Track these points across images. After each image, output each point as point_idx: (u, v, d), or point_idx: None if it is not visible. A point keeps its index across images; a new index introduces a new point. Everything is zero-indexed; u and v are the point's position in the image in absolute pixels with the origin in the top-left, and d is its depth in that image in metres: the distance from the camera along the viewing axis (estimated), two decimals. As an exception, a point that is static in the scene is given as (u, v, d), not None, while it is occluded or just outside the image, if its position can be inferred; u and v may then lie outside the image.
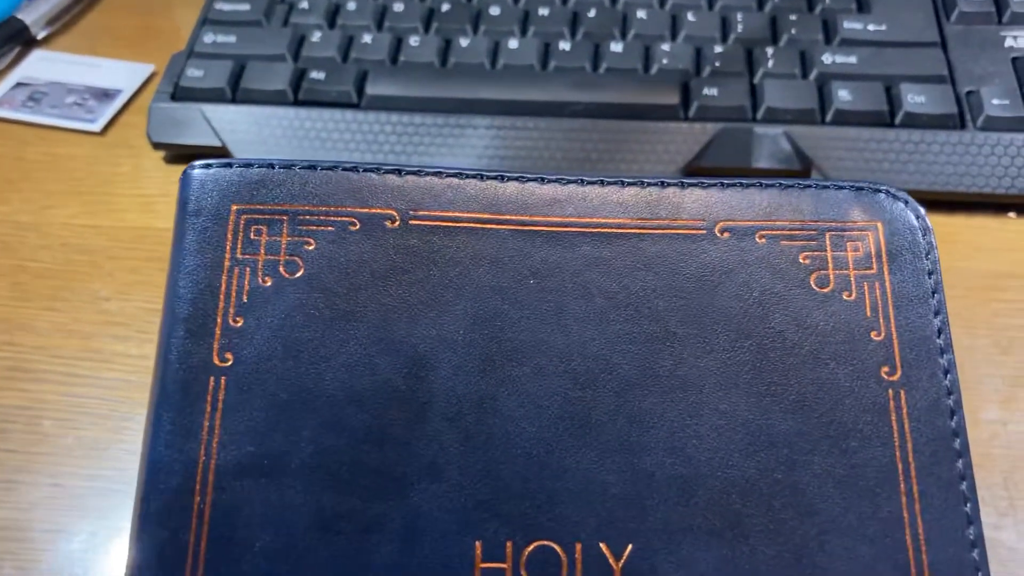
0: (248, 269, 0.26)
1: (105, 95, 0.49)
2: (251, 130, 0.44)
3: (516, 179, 0.28)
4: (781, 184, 0.29)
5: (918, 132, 0.42)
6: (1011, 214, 0.42)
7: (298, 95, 0.45)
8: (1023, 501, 0.33)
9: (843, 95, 0.43)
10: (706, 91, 0.43)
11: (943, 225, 0.42)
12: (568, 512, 0.24)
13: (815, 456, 0.25)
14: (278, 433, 0.24)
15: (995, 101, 0.42)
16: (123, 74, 0.50)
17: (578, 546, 0.24)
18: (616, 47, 0.45)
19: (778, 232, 0.28)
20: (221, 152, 0.44)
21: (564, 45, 0.45)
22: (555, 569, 0.23)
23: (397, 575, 0.23)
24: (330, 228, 0.27)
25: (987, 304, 0.39)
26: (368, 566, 0.23)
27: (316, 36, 0.47)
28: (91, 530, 0.32)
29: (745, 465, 0.25)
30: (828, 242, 0.28)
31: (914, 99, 0.43)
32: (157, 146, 0.45)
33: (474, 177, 0.28)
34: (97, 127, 0.47)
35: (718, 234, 0.28)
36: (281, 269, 0.26)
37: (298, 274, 0.26)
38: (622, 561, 0.24)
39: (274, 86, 0.44)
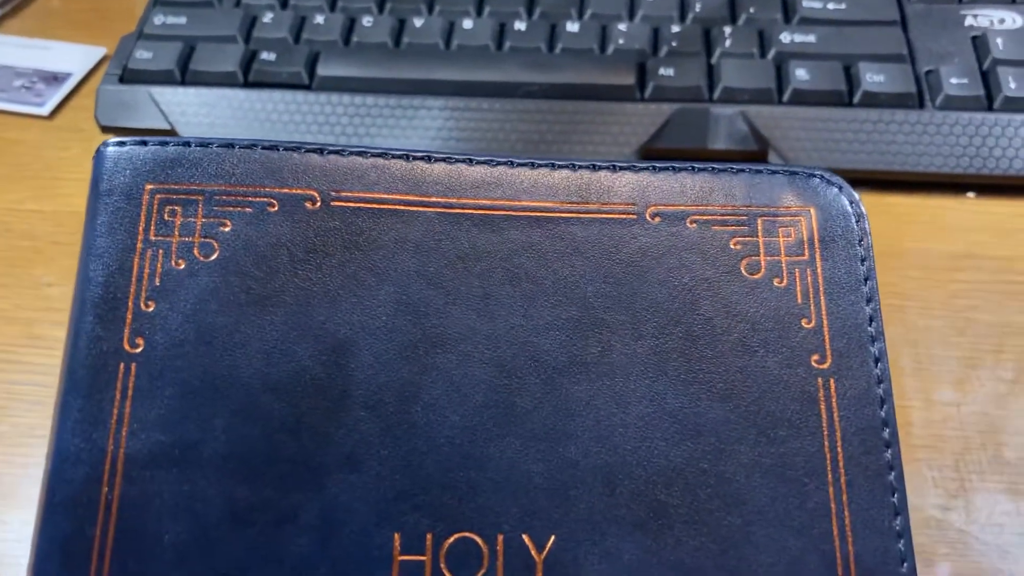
0: (161, 251, 0.25)
1: (55, 79, 0.48)
2: (200, 112, 0.43)
3: (443, 160, 0.27)
4: (713, 168, 0.28)
5: (876, 111, 0.41)
6: (970, 194, 0.42)
7: (248, 77, 0.44)
8: (974, 483, 0.32)
9: (801, 74, 0.42)
10: (662, 71, 0.43)
11: (901, 205, 0.41)
12: (490, 503, 0.23)
13: (743, 445, 0.25)
14: (190, 422, 0.23)
15: (954, 80, 0.42)
16: (74, 57, 0.49)
17: (500, 538, 0.23)
18: (572, 27, 0.45)
19: (709, 217, 0.27)
20: (170, 135, 0.43)
21: (519, 25, 0.45)
22: (476, 561, 0.23)
23: (313, 568, 0.22)
24: (247, 209, 0.26)
25: (944, 285, 0.38)
26: (283, 559, 0.22)
27: (268, 17, 0.46)
28: (24, 519, 0.32)
29: (671, 454, 0.24)
30: (760, 228, 0.27)
31: (873, 78, 0.42)
32: (105, 130, 0.44)
33: (400, 158, 0.27)
34: (45, 111, 0.46)
35: (649, 219, 0.27)
36: (195, 251, 0.25)
37: (213, 257, 0.25)
38: (544, 553, 0.23)
39: (224, 67, 0.43)
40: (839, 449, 0.25)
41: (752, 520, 0.24)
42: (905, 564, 0.24)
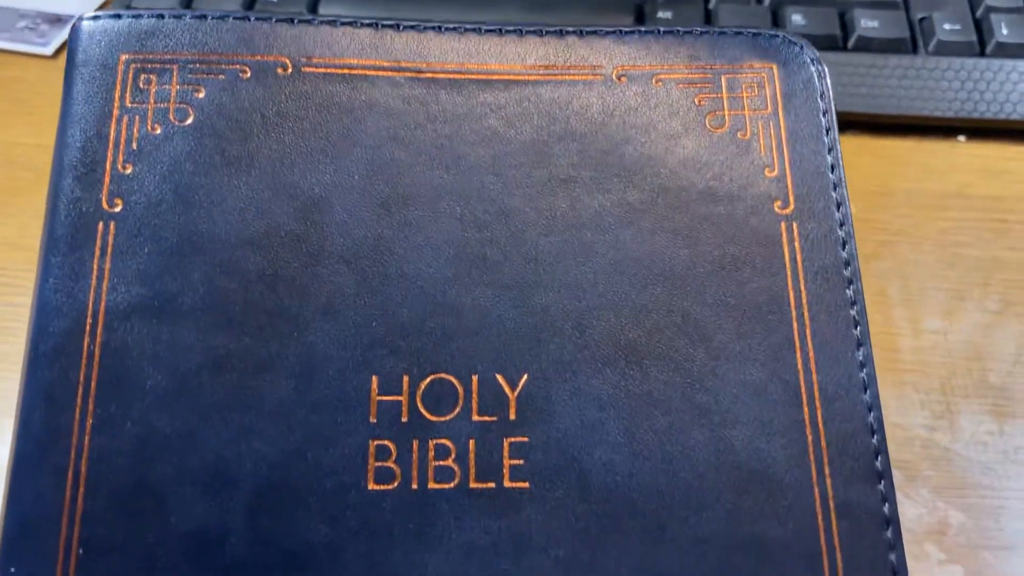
0: (137, 117, 0.26)
1: (58, 20, 0.48)
2: (202, 50, 0.43)
3: (413, 28, 0.28)
4: (679, 31, 0.29)
5: (870, 56, 0.42)
6: (961, 137, 0.42)
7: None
8: (959, 405, 0.33)
9: (796, 20, 0.43)
10: (660, 15, 0.43)
11: (893, 148, 0.42)
12: (464, 347, 0.24)
13: (708, 287, 0.25)
14: (169, 276, 0.24)
15: (947, 26, 0.42)
16: None
17: (474, 378, 0.24)
18: (572, -29, 0.45)
19: (674, 76, 0.28)
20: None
21: (520, -31, 0.45)
22: (451, 400, 0.24)
23: (292, 411, 0.23)
24: (221, 76, 0.27)
25: (934, 223, 0.39)
26: (262, 403, 0.23)
27: (270, -41, 0.46)
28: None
29: (639, 297, 0.25)
30: (724, 84, 0.28)
31: (867, 24, 0.43)
32: (108, 68, 0.45)
33: (369, 26, 0.28)
34: (49, 51, 0.47)
35: (615, 79, 0.28)
36: (171, 117, 0.26)
37: (188, 121, 0.26)
38: (517, 390, 0.24)
39: (227, 6, 0.44)
40: (802, 287, 0.25)
41: (718, 355, 0.25)
42: (868, 392, 0.24)
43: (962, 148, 0.42)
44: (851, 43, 0.43)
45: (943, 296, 0.37)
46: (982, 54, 0.42)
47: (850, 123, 0.42)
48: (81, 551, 0.21)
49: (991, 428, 0.33)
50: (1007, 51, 0.42)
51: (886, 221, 0.39)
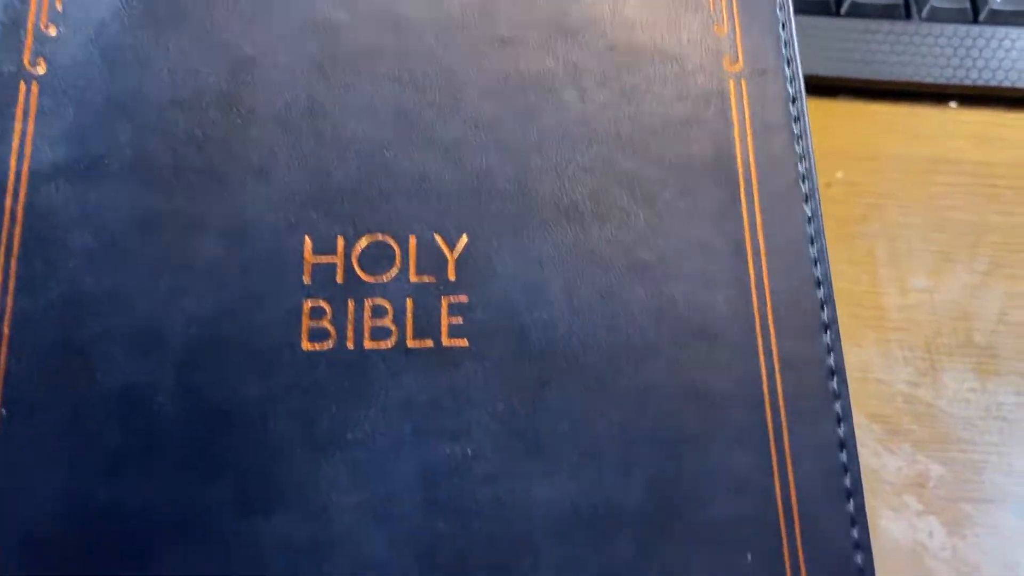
0: None
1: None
2: None
3: None
4: None
5: (863, 21, 0.42)
6: (952, 104, 0.42)
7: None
8: (943, 363, 0.33)
9: (790, -16, 0.43)
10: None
11: (884, 113, 0.42)
12: (401, 208, 0.24)
13: (653, 146, 0.25)
14: (95, 138, 0.24)
15: (941, -8, 0.42)
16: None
17: (412, 239, 0.24)
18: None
19: None
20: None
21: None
22: (388, 260, 0.23)
23: (223, 271, 0.23)
24: None
25: (924, 187, 0.39)
26: (193, 263, 0.23)
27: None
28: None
29: (582, 158, 0.25)
30: None
31: (860, -11, 0.43)
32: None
33: None
34: None
35: None
36: None
37: None
38: (456, 251, 0.24)
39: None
40: (750, 143, 0.25)
41: (662, 213, 0.24)
42: (814, 245, 0.24)
43: (953, 114, 0.42)
44: (844, 8, 0.42)
45: (931, 257, 0.37)
46: (975, 21, 0.42)
47: (842, 88, 0.42)
48: (4, 411, 0.21)
49: (974, 385, 0.33)
50: (1000, 18, 0.42)
51: (875, 184, 0.39)
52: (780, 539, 0.21)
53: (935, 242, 0.37)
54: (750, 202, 0.24)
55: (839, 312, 0.35)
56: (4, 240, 0.23)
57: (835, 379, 0.23)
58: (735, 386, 0.23)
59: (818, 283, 0.24)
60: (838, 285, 0.36)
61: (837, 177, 0.39)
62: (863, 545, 0.21)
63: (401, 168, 0.24)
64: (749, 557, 0.21)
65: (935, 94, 0.42)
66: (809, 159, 0.25)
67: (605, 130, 0.25)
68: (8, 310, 0.22)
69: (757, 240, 0.24)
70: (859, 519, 0.22)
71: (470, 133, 0.25)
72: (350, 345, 0.23)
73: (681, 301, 0.23)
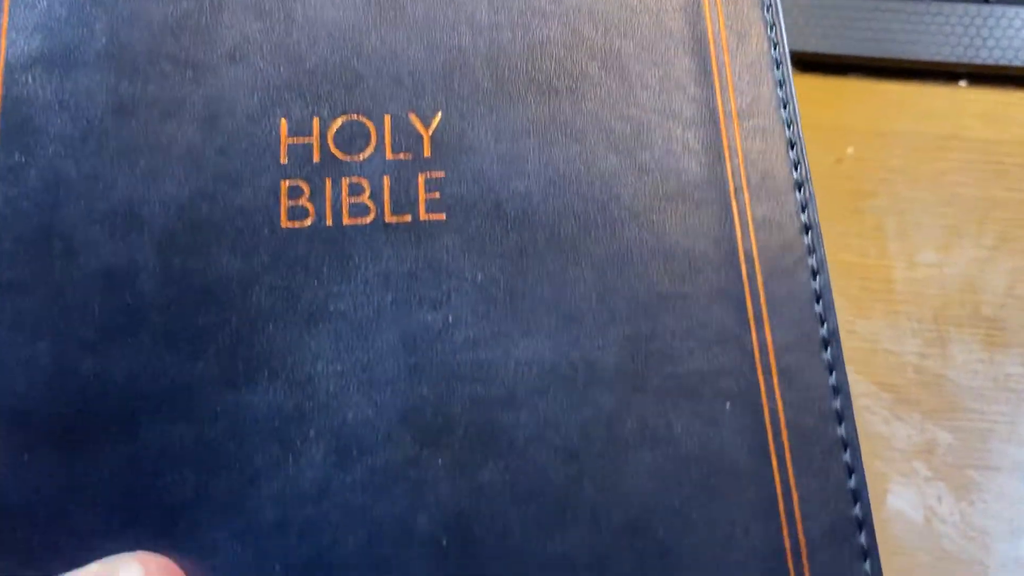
0: None
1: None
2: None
3: None
4: None
5: (874, 0, 0.42)
6: (962, 82, 0.43)
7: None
8: (951, 334, 0.34)
9: (801, -38, 0.43)
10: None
11: (894, 91, 0.42)
12: (375, 88, 0.24)
13: (622, 16, 0.25)
14: (69, 27, 0.24)
15: (951, -28, 0.43)
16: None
17: (386, 117, 0.24)
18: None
19: None
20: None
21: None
22: (363, 140, 0.24)
23: (200, 154, 0.23)
24: None
25: (932, 163, 0.39)
26: (169, 146, 0.23)
27: None
28: None
29: (555, 33, 0.25)
30: None
31: (872, -32, 0.43)
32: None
33: None
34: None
35: None
36: None
37: None
38: (431, 128, 0.24)
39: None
40: (719, 11, 0.25)
41: (634, 84, 0.24)
42: (787, 108, 0.24)
43: (963, 93, 0.42)
44: (855, -13, 0.43)
45: (939, 232, 0.37)
46: (986, 0, 0.42)
47: (852, 66, 0.42)
48: None
49: (982, 356, 0.33)
50: (1010, -2, 0.42)
51: (884, 160, 0.39)
52: (759, 388, 0.22)
53: (943, 217, 0.38)
54: (721, 71, 0.24)
55: (847, 284, 0.35)
56: None
57: (809, 234, 0.23)
58: (710, 246, 0.23)
59: (791, 144, 0.24)
60: (847, 258, 0.36)
61: (847, 153, 0.40)
62: (841, 390, 0.22)
63: (374, 49, 0.24)
64: (728, 405, 0.22)
65: (945, 73, 0.43)
66: (779, 24, 0.25)
67: (575, 4, 0.25)
68: None
69: (729, 106, 0.24)
70: (836, 366, 0.22)
71: (441, 12, 0.25)
72: (329, 222, 0.23)
73: (655, 168, 0.24)
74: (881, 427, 0.31)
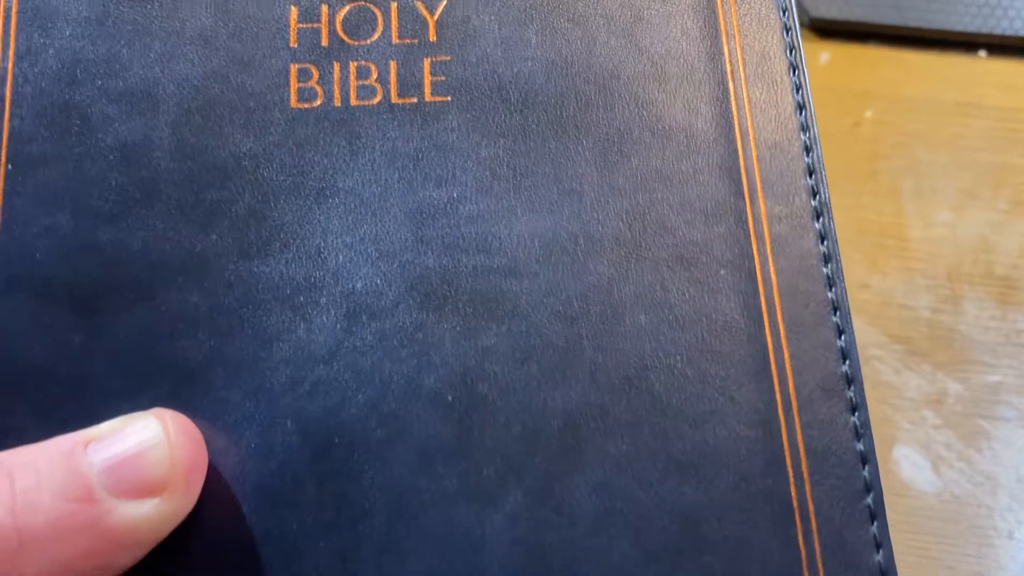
0: None
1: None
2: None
3: None
4: None
5: (896, -32, 0.43)
6: (982, 53, 0.43)
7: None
8: (964, 292, 0.34)
9: (825, -71, 0.43)
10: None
11: (914, 60, 0.43)
12: None
13: None
14: None
15: (974, -58, 0.43)
16: None
17: (393, 4, 0.25)
18: None
19: None
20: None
21: None
22: (370, 25, 0.25)
23: (213, 37, 0.24)
24: None
25: (950, 128, 0.40)
26: (183, 30, 0.24)
27: None
28: None
29: None
30: None
31: (895, -63, 0.43)
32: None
33: None
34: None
35: None
36: None
37: None
38: (437, 14, 0.25)
39: None
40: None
41: (645, 2, 0.25)
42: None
43: (982, 63, 0.43)
44: (878, -44, 0.43)
45: (954, 194, 0.37)
46: (1007, -28, 0.43)
47: (872, 34, 0.43)
48: (9, 166, 0.23)
49: (994, 313, 0.33)
50: (1032, -30, 0.42)
51: (902, 124, 0.40)
52: (752, 255, 0.23)
53: (959, 180, 0.38)
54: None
55: (862, 240, 0.36)
56: (3, 11, 0.24)
57: (803, 113, 0.23)
58: (707, 124, 0.24)
59: (787, 28, 0.24)
60: (862, 216, 0.37)
61: (866, 116, 0.40)
62: (832, 257, 0.22)
63: None
64: (722, 272, 0.22)
65: (965, 43, 0.43)
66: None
67: None
68: (9, 74, 0.23)
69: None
70: (828, 236, 0.22)
71: None
72: (337, 103, 0.24)
73: (654, 50, 0.24)
74: (892, 377, 0.32)
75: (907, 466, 0.30)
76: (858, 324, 0.33)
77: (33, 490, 0.17)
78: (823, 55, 0.43)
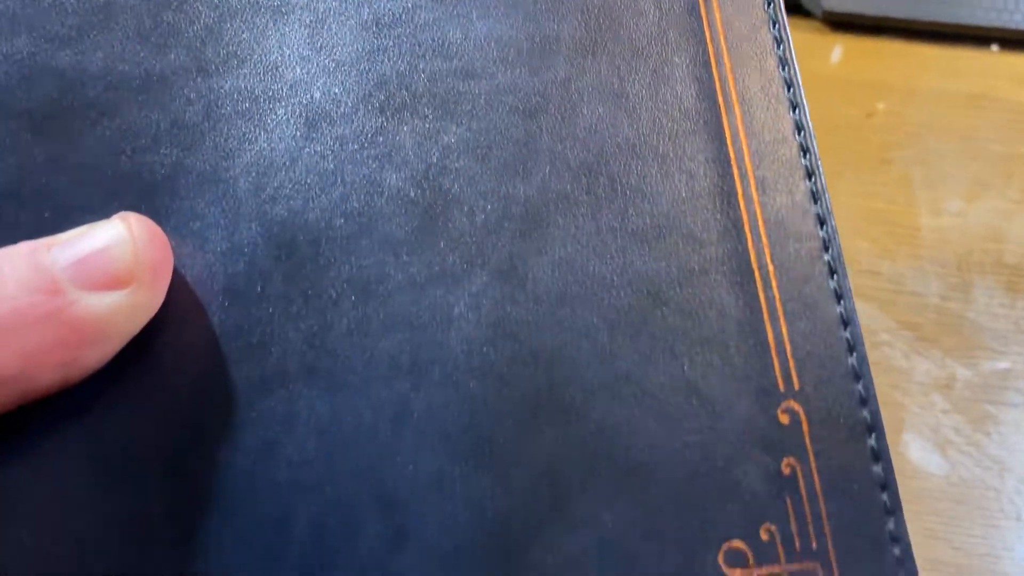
0: None
1: None
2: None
3: None
4: None
5: (909, -38, 0.43)
6: (994, 46, 0.43)
7: None
8: (974, 279, 0.34)
9: (839, -78, 0.43)
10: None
11: (926, 53, 0.43)
12: None
13: None
14: None
15: (988, -63, 0.43)
16: None
17: None
18: None
19: None
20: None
21: None
22: None
23: None
24: None
25: (961, 119, 0.40)
26: None
27: None
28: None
29: None
30: None
31: (908, -69, 0.43)
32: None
33: None
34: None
35: None
36: None
37: None
38: None
39: None
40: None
41: None
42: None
43: (994, 56, 0.43)
44: (891, -51, 0.43)
45: (965, 184, 0.38)
46: (1020, -34, 0.43)
47: (885, 27, 0.43)
48: None
49: (1004, 301, 0.34)
50: (1046, -36, 0.43)
51: (913, 114, 0.40)
52: (704, 38, 0.23)
53: (970, 170, 0.38)
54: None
55: (872, 228, 0.36)
56: None
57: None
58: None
59: None
60: (873, 204, 0.37)
61: (878, 108, 0.40)
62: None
63: None
64: (676, 59, 0.23)
65: (977, 36, 0.43)
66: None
67: None
68: None
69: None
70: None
71: None
72: None
73: None
74: (901, 362, 0.32)
75: (915, 450, 0.30)
76: (868, 310, 0.34)
77: None
78: (836, 48, 0.43)
